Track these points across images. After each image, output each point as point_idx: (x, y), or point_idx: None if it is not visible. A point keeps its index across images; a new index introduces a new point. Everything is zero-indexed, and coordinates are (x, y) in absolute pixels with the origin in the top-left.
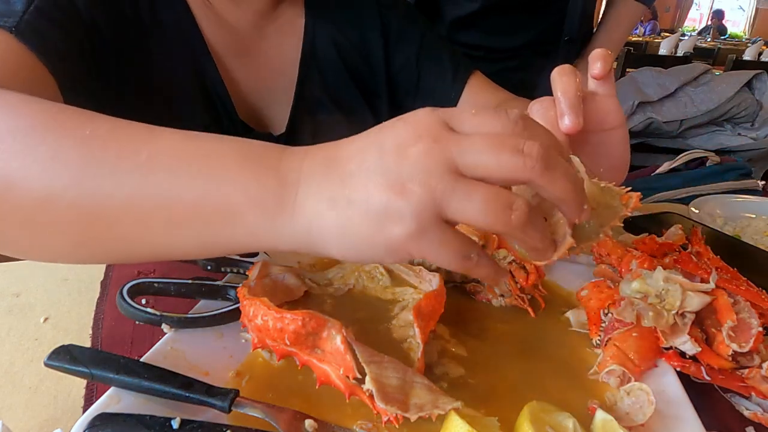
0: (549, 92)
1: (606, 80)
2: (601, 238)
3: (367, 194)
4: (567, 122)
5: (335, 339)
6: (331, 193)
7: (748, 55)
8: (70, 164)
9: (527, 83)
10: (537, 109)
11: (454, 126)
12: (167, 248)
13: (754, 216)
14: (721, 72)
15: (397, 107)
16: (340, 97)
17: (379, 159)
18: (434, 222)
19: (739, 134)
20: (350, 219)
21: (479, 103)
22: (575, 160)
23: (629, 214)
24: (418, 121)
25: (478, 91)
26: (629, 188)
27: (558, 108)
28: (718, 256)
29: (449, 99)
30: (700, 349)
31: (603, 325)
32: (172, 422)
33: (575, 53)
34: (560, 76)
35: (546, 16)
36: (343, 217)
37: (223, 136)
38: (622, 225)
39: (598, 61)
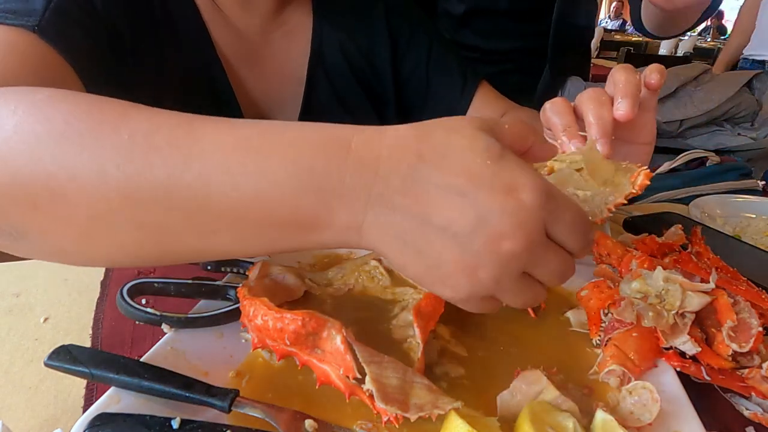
0: (547, 95)
1: (653, 95)
2: (604, 214)
3: (439, 258)
4: (623, 109)
5: (335, 339)
6: (402, 233)
7: None
8: (118, 180)
9: (524, 86)
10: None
11: (551, 228)
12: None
13: (754, 216)
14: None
15: (405, 113)
16: (348, 103)
17: (470, 233)
18: (481, 299)
19: (739, 134)
20: (410, 264)
21: (487, 114)
22: (591, 140)
23: (635, 191)
24: (528, 216)
25: (485, 103)
26: (644, 167)
27: (616, 92)
28: (718, 256)
29: (459, 109)
30: (700, 349)
31: (603, 325)
32: (172, 422)
33: (574, 60)
34: (622, 70)
35: (534, 22)
36: (404, 260)
37: (271, 131)
38: (626, 203)
39: (655, 72)
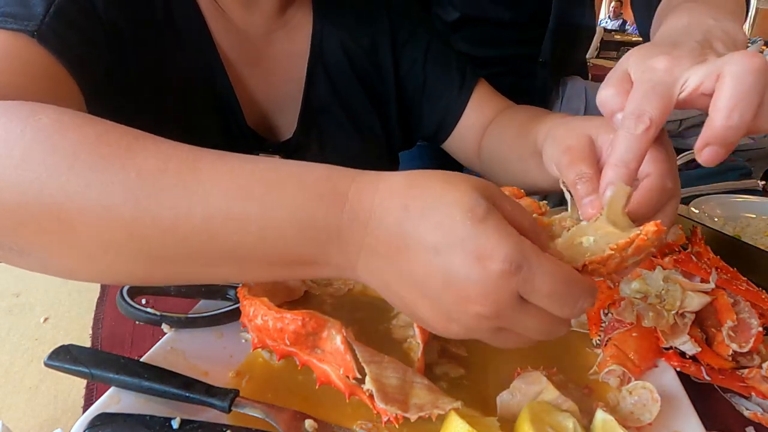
0: (546, 96)
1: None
2: (606, 253)
3: (416, 308)
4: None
5: (335, 339)
6: (386, 281)
7: None
8: (125, 217)
9: (518, 88)
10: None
11: (526, 295)
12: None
13: (754, 216)
14: None
15: (405, 111)
16: (349, 102)
17: (440, 291)
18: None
19: None
20: (395, 303)
21: (484, 112)
22: (621, 187)
23: (642, 237)
24: (494, 285)
25: (484, 101)
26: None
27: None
28: (718, 256)
29: (457, 107)
30: (700, 349)
31: (603, 325)
32: (172, 422)
33: (573, 60)
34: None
35: (526, 31)
36: (391, 300)
37: (272, 179)
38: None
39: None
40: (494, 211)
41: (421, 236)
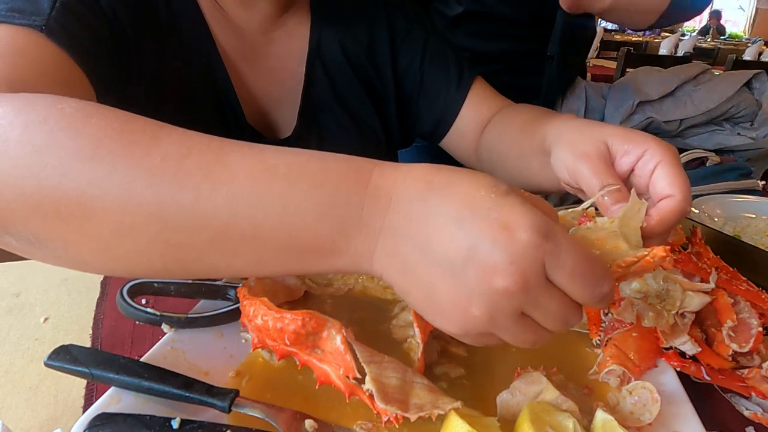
0: (553, 95)
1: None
2: (611, 269)
3: (435, 288)
4: None
5: (335, 339)
6: (405, 261)
7: (748, 55)
8: (147, 200)
9: (517, 85)
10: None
11: (550, 269)
12: (253, 271)
13: (754, 216)
14: (721, 72)
15: (403, 110)
16: (348, 100)
17: (463, 264)
18: (479, 334)
19: (739, 134)
20: (412, 293)
21: (482, 110)
22: (637, 201)
23: (648, 258)
24: (521, 253)
25: (481, 99)
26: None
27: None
28: (718, 256)
29: (454, 105)
30: (700, 349)
31: (603, 325)
32: (172, 422)
33: (578, 58)
34: None
35: (528, 27)
36: (407, 287)
37: (297, 160)
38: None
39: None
40: (516, 190)
41: (445, 208)
